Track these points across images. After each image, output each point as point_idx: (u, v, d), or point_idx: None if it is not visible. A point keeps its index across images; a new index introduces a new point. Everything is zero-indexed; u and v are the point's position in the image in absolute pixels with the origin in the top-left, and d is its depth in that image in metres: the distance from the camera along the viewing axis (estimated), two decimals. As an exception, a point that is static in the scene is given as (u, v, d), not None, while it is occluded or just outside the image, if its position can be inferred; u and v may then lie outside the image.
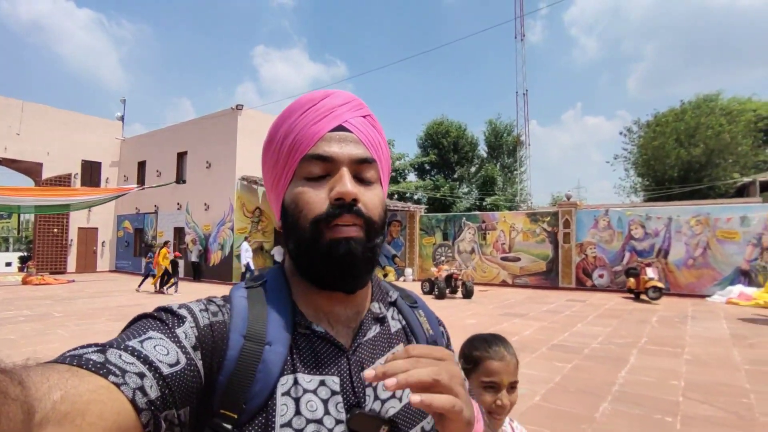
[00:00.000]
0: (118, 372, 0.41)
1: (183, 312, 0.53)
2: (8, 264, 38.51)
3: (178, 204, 17.75)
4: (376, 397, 0.58)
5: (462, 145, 28.25)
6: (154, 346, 0.47)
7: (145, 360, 0.44)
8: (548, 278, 14.20)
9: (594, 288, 13.32)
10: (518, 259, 14.82)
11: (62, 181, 18.77)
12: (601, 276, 13.35)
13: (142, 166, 20.00)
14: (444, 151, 28.21)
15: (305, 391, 0.54)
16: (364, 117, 0.62)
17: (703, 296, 11.46)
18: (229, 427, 0.50)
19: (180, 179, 17.81)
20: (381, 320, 0.64)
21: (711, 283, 11.68)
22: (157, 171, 18.83)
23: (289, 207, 0.59)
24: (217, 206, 16.06)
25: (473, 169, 29.26)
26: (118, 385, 0.40)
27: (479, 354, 1.17)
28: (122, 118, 21.98)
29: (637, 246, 12.80)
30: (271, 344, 0.54)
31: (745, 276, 11.30)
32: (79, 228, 19.70)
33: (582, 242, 13.67)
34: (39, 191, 14.46)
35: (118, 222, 20.71)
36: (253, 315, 0.56)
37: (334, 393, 0.55)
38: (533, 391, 4.25)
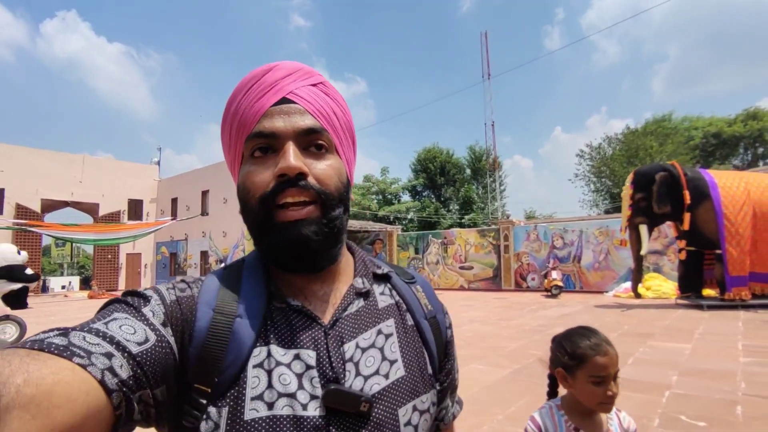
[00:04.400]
0: (83, 353, 0.39)
1: (149, 292, 0.52)
2: (63, 287, 43.97)
3: (203, 232, 22.05)
4: (358, 373, 0.55)
5: (448, 168, 31.97)
6: (120, 326, 0.45)
7: (111, 340, 0.42)
8: (494, 282, 17.45)
9: (528, 289, 16.47)
10: (472, 268, 18.14)
11: (113, 217, 23.46)
12: (533, 279, 16.52)
13: (174, 201, 24.56)
14: (431, 174, 31.98)
15: (278, 363, 0.52)
16: (314, 85, 0.58)
17: (603, 292, 14.49)
18: (204, 401, 0.49)
19: (204, 212, 22.20)
20: (365, 295, 0.62)
21: (611, 281, 14.71)
22: (187, 206, 23.31)
23: (240, 189, 0.57)
24: (233, 233, 20.23)
25: (461, 191, 32.87)
26: (84, 366, 0.38)
27: (584, 352, 1.22)
28: (158, 163, 26.80)
29: (558, 254, 15.94)
30: (242, 317, 0.53)
31: (635, 275, 14.28)
32: (127, 254, 24.35)
33: (518, 252, 16.90)
34: (95, 228, 18.92)
35: (156, 248, 25.25)
36: (225, 290, 0.55)
37: (308, 367, 0.53)
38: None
